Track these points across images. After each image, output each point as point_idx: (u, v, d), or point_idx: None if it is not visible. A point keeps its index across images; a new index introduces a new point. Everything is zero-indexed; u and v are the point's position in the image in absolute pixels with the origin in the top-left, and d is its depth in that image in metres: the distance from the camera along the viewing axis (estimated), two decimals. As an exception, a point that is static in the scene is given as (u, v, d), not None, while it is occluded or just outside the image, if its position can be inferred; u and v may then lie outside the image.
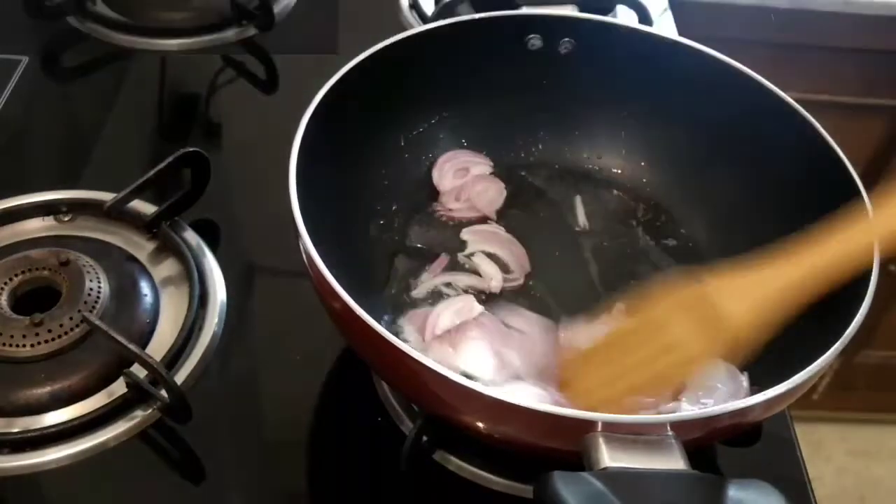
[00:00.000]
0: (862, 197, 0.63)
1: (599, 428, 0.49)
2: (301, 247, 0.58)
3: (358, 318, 0.54)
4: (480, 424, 0.55)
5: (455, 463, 0.65)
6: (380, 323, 0.53)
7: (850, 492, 1.86)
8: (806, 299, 0.57)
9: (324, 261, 0.56)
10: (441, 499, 0.65)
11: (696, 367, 0.60)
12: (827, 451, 1.90)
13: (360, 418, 0.68)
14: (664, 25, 1.07)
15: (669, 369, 0.60)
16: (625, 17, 0.99)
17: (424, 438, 0.62)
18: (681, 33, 1.05)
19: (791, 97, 0.70)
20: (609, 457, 0.48)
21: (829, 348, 0.54)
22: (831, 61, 1.34)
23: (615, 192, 0.82)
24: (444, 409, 0.56)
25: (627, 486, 0.46)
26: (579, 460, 0.49)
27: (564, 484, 0.46)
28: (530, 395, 0.63)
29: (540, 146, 0.83)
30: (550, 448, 0.53)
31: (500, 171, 0.82)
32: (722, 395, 0.61)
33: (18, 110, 0.94)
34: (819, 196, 0.68)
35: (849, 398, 1.87)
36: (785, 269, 0.58)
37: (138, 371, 0.66)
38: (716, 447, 0.66)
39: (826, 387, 1.81)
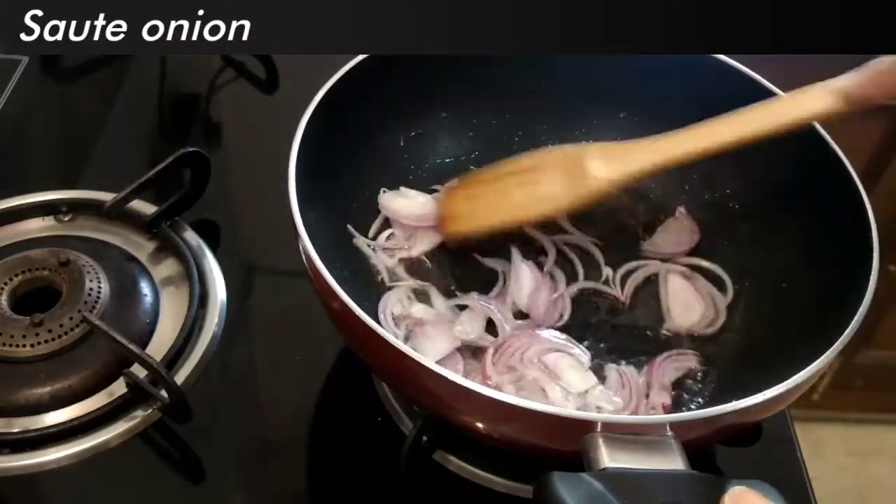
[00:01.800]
0: (861, 196, 0.63)
1: (599, 428, 0.49)
2: (301, 247, 0.58)
3: (357, 318, 0.54)
4: (480, 425, 0.55)
5: (455, 463, 0.65)
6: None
7: (849, 491, 1.85)
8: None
9: (323, 261, 0.56)
10: (441, 499, 0.65)
11: (551, 206, 0.71)
12: (827, 450, 1.89)
13: (360, 418, 0.69)
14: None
15: (529, 201, 0.71)
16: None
17: (424, 438, 0.62)
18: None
19: (791, 96, 0.70)
20: (608, 457, 0.48)
21: (828, 348, 0.54)
22: (831, 60, 1.33)
23: (615, 191, 0.81)
24: (443, 409, 0.56)
25: (627, 487, 0.46)
26: (579, 460, 0.49)
27: (563, 484, 0.46)
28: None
29: (539, 147, 0.82)
30: (550, 448, 0.53)
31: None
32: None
33: (19, 110, 0.94)
34: (818, 194, 0.68)
35: (848, 398, 1.87)
36: (660, 147, 0.67)
37: (138, 371, 0.66)
38: (715, 447, 0.67)
39: (826, 387, 1.80)
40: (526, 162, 0.73)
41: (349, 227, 0.74)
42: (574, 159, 0.69)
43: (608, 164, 0.68)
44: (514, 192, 0.71)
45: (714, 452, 0.66)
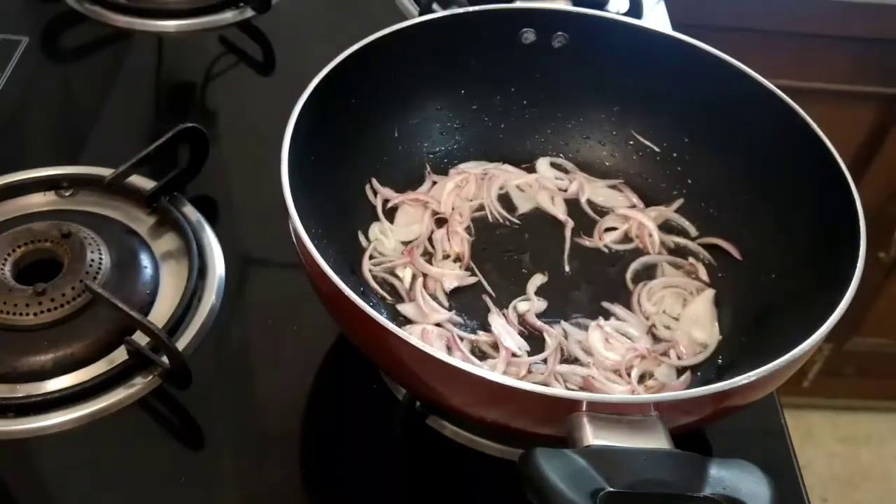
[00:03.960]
0: (849, 184, 0.64)
1: (584, 408, 0.50)
2: (290, 227, 0.59)
3: (345, 296, 0.54)
4: (464, 403, 0.55)
5: (450, 429, 0.66)
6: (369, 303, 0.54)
7: (839, 478, 1.86)
8: None
9: (314, 244, 0.57)
10: (436, 464, 0.66)
11: None
12: (817, 437, 1.90)
13: (356, 385, 0.69)
14: (657, 16, 1.06)
15: None
16: (616, 4, 1.00)
17: (418, 403, 0.63)
18: (673, 22, 1.05)
19: (782, 84, 0.71)
20: (592, 435, 0.49)
21: (814, 332, 0.54)
22: (822, 49, 1.33)
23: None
24: (425, 388, 0.57)
25: (608, 462, 0.47)
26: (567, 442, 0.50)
27: (545, 459, 0.46)
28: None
29: (534, 137, 0.83)
30: (535, 428, 0.54)
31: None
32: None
33: (20, 89, 0.94)
34: (808, 185, 0.69)
35: (839, 385, 1.87)
36: None
37: (139, 339, 0.67)
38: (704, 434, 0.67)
39: (816, 374, 1.81)
40: None
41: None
42: None
43: None
44: None
45: (703, 439, 0.67)
